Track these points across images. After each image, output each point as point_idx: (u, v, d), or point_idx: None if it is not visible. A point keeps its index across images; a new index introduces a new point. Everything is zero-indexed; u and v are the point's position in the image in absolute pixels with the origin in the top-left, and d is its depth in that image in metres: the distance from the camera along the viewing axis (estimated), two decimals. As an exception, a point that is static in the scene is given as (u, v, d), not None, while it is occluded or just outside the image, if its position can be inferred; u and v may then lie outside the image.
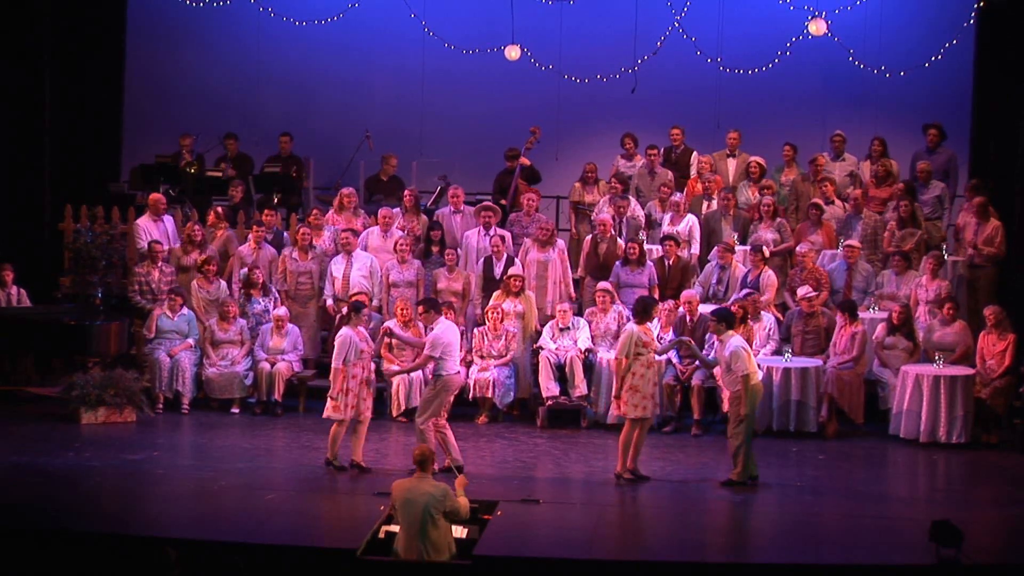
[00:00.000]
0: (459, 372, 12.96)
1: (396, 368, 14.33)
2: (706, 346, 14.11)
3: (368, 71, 19.66)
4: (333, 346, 15.05)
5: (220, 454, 13.46)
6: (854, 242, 15.63)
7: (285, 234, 16.44)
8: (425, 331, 14.79)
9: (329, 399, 12.80)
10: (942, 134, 17.07)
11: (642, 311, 12.85)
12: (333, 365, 12.81)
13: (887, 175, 16.68)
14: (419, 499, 10.14)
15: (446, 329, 12.74)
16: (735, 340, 12.67)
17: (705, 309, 14.87)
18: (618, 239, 15.86)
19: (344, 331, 12.94)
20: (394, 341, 14.40)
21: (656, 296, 15.09)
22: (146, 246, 15.92)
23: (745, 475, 12.55)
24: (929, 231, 16.15)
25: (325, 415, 12.87)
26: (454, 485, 10.59)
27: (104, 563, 10.28)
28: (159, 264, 15.68)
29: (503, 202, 17.12)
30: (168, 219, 16.49)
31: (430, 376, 12.94)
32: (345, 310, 13.40)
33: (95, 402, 14.32)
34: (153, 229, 16.21)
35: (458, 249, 15.94)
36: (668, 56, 18.27)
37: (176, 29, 19.60)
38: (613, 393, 12.85)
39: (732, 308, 14.52)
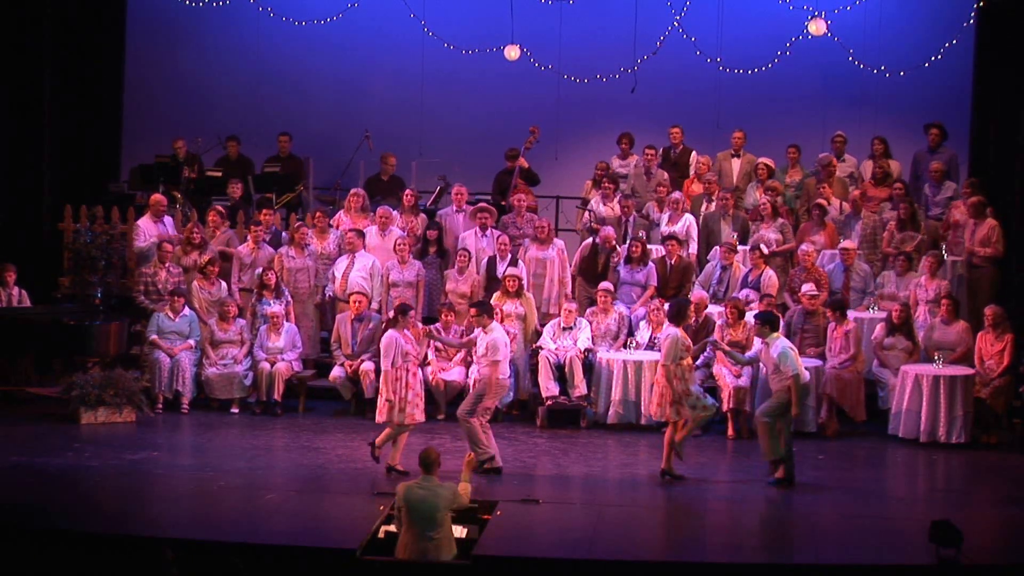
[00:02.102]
0: (509, 376, 12.99)
1: (448, 340, 14.24)
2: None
3: (367, 71, 19.65)
4: (333, 346, 15.23)
5: (220, 454, 13.43)
6: (848, 244, 15.62)
7: (284, 234, 16.42)
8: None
9: (385, 402, 12.69)
10: (943, 134, 17.06)
11: (677, 314, 12.82)
12: (383, 368, 12.70)
13: (885, 176, 16.68)
14: (430, 500, 10.17)
15: (502, 332, 12.82)
16: (781, 341, 12.66)
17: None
18: (618, 247, 15.84)
19: (390, 333, 12.73)
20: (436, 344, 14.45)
21: (652, 295, 15.18)
22: (145, 247, 15.91)
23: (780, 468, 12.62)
24: (936, 232, 16.13)
25: (379, 419, 12.76)
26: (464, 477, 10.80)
27: (103, 563, 10.27)
28: (167, 264, 15.66)
29: (503, 202, 17.11)
30: (168, 220, 16.48)
31: (472, 379, 12.83)
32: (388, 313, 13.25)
33: (95, 402, 14.30)
34: (153, 230, 16.20)
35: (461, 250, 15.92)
36: (668, 56, 18.27)
37: (176, 29, 19.61)
38: (671, 399, 12.61)
39: (727, 307, 14.57)
